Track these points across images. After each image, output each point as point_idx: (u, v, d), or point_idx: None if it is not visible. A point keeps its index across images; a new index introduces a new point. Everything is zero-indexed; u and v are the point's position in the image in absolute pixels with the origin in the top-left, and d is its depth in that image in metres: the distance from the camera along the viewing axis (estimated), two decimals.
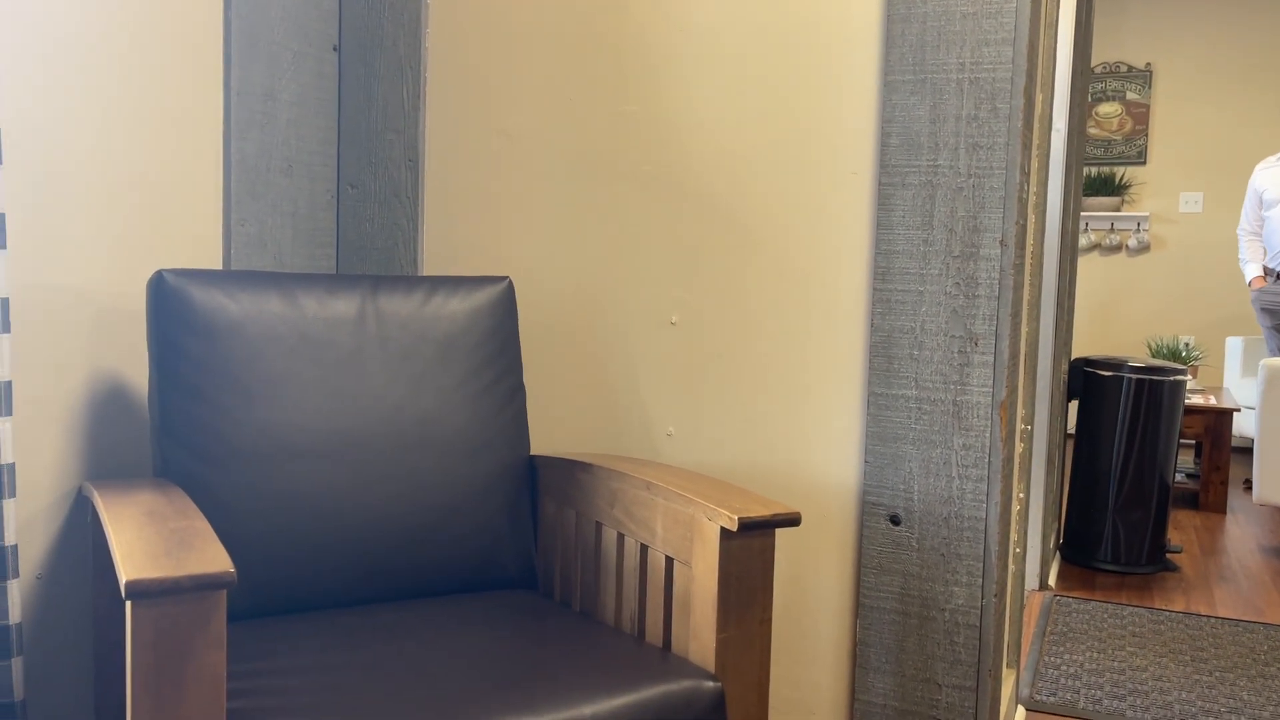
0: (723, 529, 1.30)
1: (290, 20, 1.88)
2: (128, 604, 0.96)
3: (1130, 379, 3.28)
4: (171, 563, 1.00)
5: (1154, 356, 5.11)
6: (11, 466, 1.34)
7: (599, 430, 1.88)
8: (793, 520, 1.32)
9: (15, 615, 1.35)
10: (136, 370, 1.65)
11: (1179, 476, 4.76)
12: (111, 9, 1.58)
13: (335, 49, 2.00)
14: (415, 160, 1.97)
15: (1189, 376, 3.90)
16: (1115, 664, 2.48)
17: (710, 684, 1.27)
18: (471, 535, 1.58)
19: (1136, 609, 2.92)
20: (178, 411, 1.44)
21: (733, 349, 1.78)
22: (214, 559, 1.02)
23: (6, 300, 1.33)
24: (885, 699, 1.67)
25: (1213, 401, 4.35)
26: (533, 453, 1.83)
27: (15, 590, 1.35)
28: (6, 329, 1.33)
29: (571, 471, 1.61)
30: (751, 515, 1.29)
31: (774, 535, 1.35)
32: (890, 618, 1.66)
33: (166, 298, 1.46)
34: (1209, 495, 4.29)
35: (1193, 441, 4.99)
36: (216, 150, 1.78)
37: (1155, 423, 3.28)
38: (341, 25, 2.00)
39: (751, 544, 1.33)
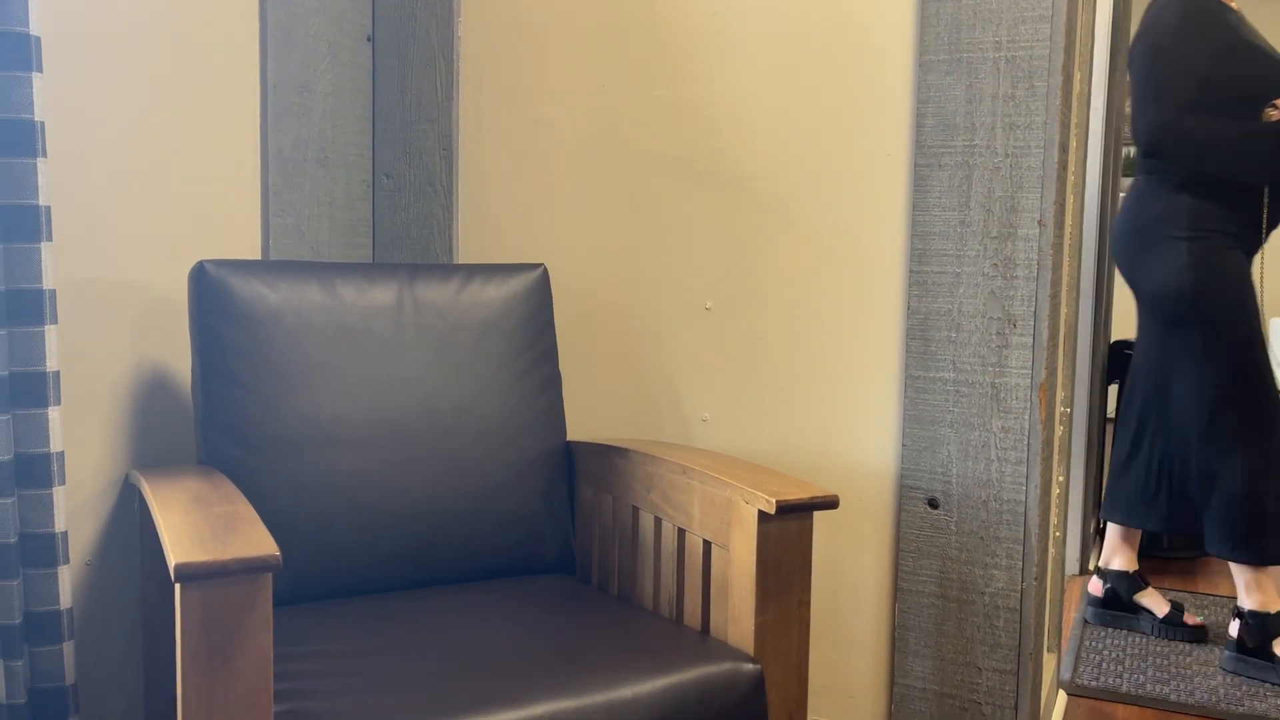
0: (760, 512, 1.30)
1: (324, 12, 1.90)
2: (176, 586, 0.98)
3: None
4: (218, 546, 1.01)
5: None
6: (60, 454, 1.36)
7: (634, 416, 1.88)
8: (830, 503, 1.32)
9: (66, 600, 1.38)
10: (179, 360, 1.68)
11: None
12: (151, 5, 1.60)
13: (369, 40, 2.01)
14: (449, 149, 1.98)
15: None
16: (1159, 649, 2.46)
17: (749, 666, 1.27)
18: (509, 520, 1.59)
19: (1181, 594, 2.89)
20: (220, 400, 1.46)
21: (768, 334, 1.77)
22: (260, 543, 1.03)
23: (53, 292, 1.36)
24: (924, 682, 1.66)
25: None
26: (569, 439, 1.84)
27: (66, 576, 1.38)
28: (54, 320, 1.36)
29: (608, 457, 1.61)
30: (789, 498, 1.29)
31: (812, 518, 1.35)
32: (929, 601, 1.65)
33: (208, 288, 1.48)
34: None
35: None
36: (254, 142, 1.80)
37: None
38: (375, 16, 2.02)
39: (789, 527, 1.33)
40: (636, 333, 1.88)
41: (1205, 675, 2.30)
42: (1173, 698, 2.17)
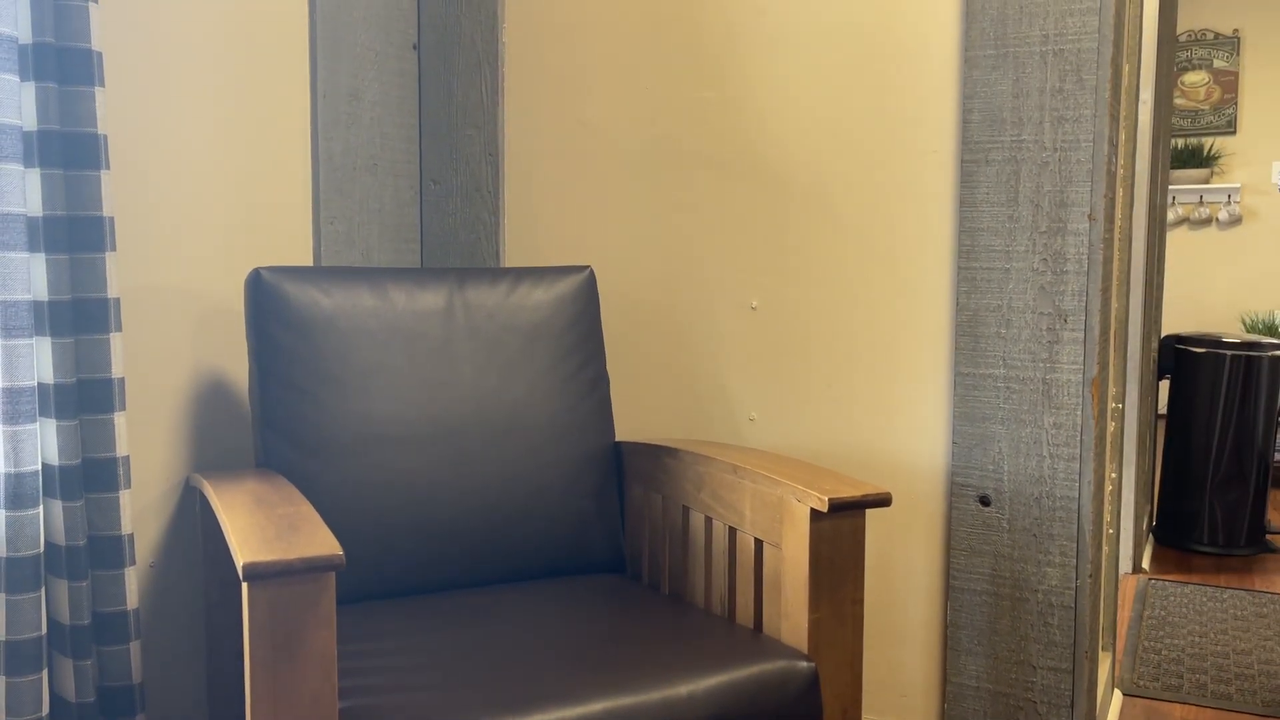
0: (813, 510, 1.30)
1: (371, 21, 1.93)
2: (244, 586, 1.01)
3: (1225, 355, 3.18)
4: (283, 546, 1.04)
5: (1249, 332, 4.93)
6: (126, 459, 1.40)
7: (681, 416, 1.89)
8: (883, 501, 1.32)
9: (133, 601, 1.42)
10: (236, 365, 1.71)
11: (1279, 456, 4.59)
12: (206, 20, 1.64)
13: (415, 47, 2.04)
14: (495, 154, 2.00)
15: None
16: (1219, 648, 2.42)
17: (804, 664, 1.27)
18: (560, 520, 1.61)
19: (1237, 591, 2.84)
20: (277, 403, 1.49)
21: (815, 332, 1.77)
22: (323, 542, 1.05)
23: (117, 300, 1.39)
24: (978, 681, 1.65)
25: None
26: (617, 439, 1.85)
27: (132, 577, 1.42)
28: (118, 328, 1.39)
29: (657, 456, 1.62)
30: (842, 496, 1.29)
31: (864, 516, 1.35)
32: (981, 599, 1.64)
33: (263, 295, 1.51)
34: None
35: None
36: (305, 151, 1.83)
37: (1253, 400, 3.18)
38: (420, 24, 2.04)
39: (842, 525, 1.33)
40: (683, 333, 1.88)
41: (1268, 675, 2.26)
42: (1236, 698, 2.13)
